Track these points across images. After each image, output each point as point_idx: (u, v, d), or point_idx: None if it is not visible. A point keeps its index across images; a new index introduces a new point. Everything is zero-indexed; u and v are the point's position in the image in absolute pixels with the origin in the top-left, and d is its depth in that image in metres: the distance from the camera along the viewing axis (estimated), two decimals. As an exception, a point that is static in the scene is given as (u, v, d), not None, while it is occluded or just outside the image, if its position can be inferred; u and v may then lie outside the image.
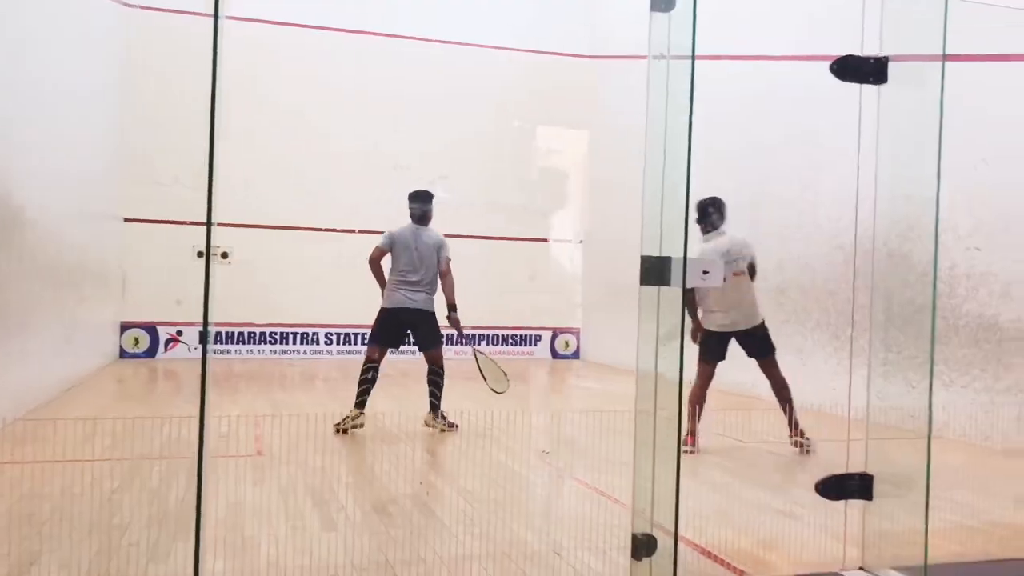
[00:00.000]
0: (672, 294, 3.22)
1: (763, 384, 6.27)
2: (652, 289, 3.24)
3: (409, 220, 6.81)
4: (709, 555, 3.66)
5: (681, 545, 3.03)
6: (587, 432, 5.76)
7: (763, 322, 6.25)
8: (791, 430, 6.01)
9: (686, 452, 5.75)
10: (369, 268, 6.68)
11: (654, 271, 3.23)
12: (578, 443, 6.05)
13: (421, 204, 6.84)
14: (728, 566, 3.57)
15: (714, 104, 5.10)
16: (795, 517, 4.29)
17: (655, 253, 3.23)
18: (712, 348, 6.15)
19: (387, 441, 6.45)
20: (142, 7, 10.93)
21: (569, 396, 10.35)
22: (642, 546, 3.06)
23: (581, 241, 13.17)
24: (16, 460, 4.82)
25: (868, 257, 6.77)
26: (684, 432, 5.76)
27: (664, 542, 3.04)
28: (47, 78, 7.39)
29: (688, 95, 3.14)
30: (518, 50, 12.66)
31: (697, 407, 6.03)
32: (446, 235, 12.40)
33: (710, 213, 6.22)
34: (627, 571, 3.06)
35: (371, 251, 6.73)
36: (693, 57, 3.14)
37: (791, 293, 8.47)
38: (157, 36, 11.01)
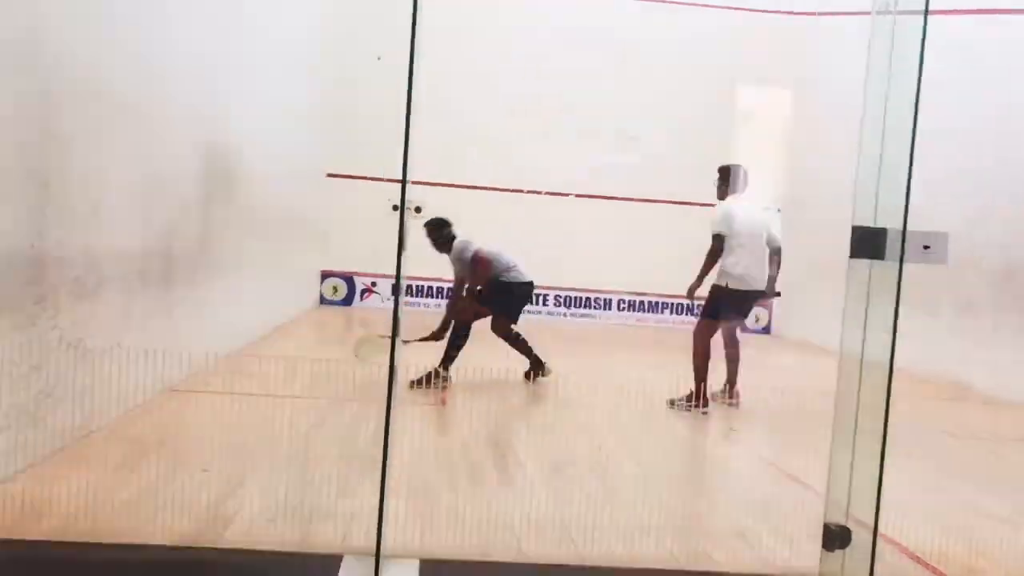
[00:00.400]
0: (887, 269, 2.93)
1: (978, 376, 5.61)
2: (863, 263, 2.97)
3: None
4: (910, 555, 3.36)
5: (879, 541, 2.79)
6: (779, 412, 5.49)
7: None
8: (728, 389, 6.38)
9: (702, 413, 5.98)
10: None
11: (866, 243, 2.96)
12: (768, 422, 5.77)
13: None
14: (932, 569, 3.26)
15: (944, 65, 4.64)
16: (1017, 525, 3.86)
17: (869, 223, 2.96)
18: (725, 306, 6.36)
19: (570, 405, 6.44)
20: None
21: (761, 372, 9.94)
22: (835, 537, 2.85)
23: (779, 209, 12.47)
24: (226, 391, 5.27)
25: None
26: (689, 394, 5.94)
27: (860, 536, 2.82)
28: (260, 40, 7.86)
29: (918, 55, 2.81)
30: (724, 7, 12.11)
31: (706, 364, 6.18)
32: (636, 199, 12.42)
33: (725, 179, 6.53)
34: (816, 561, 2.86)
35: None
36: (926, 11, 2.81)
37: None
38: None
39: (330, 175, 11.80)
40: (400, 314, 3.07)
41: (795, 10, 12.05)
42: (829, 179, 11.43)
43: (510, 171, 12.03)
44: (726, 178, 6.56)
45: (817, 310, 11.48)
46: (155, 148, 5.23)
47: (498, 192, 12.05)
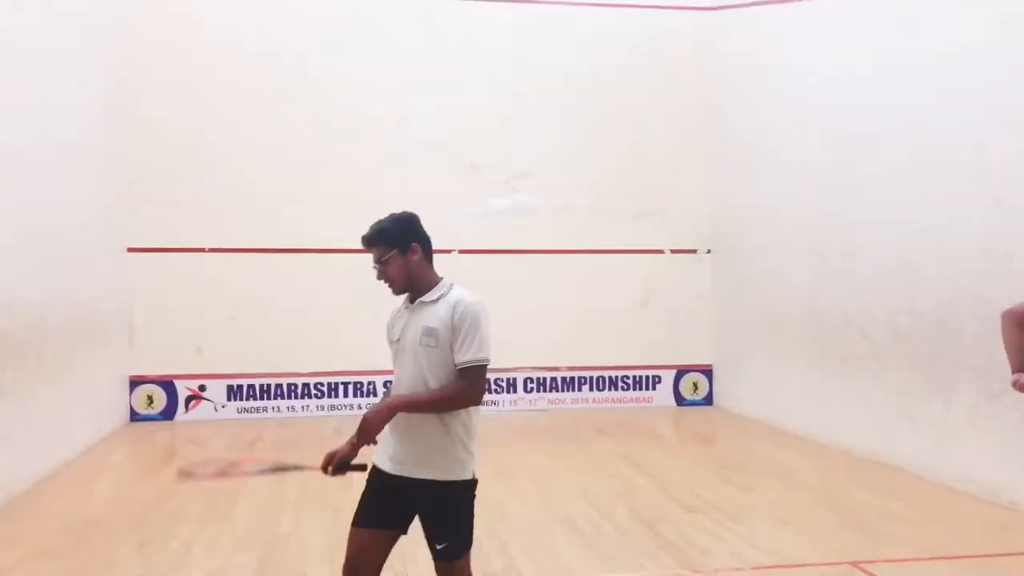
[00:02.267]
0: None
1: None
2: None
3: None
4: None
5: None
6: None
7: None
8: None
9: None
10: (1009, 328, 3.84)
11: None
12: None
13: None
14: None
15: None
16: None
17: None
18: None
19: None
20: None
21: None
22: None
23: (709, 251, 10.50)
24: None
25: None
26: None
27: None
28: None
29: None
30: (612, 5, 10.27)
31: None
32: (527, 250, 10.22)
33: None
34: None
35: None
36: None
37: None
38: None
39: (132, 249, 9.18)
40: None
41: (694, 4, 10.33)
42: (764, 209, 9.71)
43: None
44: None
45: (759, 373, 9.63)
46: None
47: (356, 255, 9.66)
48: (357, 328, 9.60)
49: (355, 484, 6.63)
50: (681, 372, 10.44)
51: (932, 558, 4.81)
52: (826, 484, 6.63)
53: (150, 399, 9.31)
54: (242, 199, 9.48)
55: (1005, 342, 3.72)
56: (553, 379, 10.12)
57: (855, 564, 4.68)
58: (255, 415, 9.47)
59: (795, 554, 4.86)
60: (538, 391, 10.10)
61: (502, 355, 10.20)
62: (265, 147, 9.56)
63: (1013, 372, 3.69)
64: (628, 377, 10.29)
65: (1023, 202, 5.79)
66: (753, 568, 4.62)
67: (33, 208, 6.55)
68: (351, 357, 9.60)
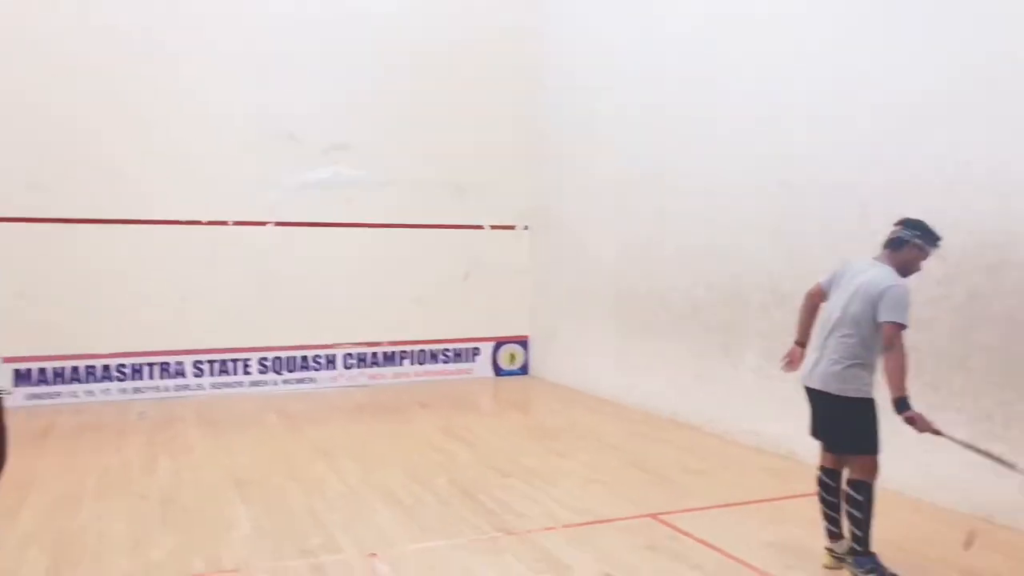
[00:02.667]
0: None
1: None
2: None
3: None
4: None
5: None
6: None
7: None
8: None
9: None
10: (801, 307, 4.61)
11: None
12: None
13: (899, 226, 4.24)
14: None
15: None
16: None
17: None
18: None
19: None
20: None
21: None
22: None
23: (527, 227, 10.81)
24: None
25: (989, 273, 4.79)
26: None
27: None
28: None
29: None
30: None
31: None
32: (349, 223, 10.06)
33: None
34: None
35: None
36: None
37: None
38: None
39: None
40: None
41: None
42: (579, 188, 10.10)
43: (187, 199, 9.17)
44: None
45: (576, 343, 10.06)
46: None
47: (163, 226, 9.13)
48: (161, 305, 9.12)
49: (160, 469, 6.33)
50: (499, 344, 10.71)
51: (723, 505, 5.28)
52: (632, 444, 7.06)
53: (-80, 388, 8.38)
54: (28, 166, 8.67)
55: (799, 316, 4.50)
56: (374, 354, 10.07)
57: (655, 516, 5.05)
58: (47, 401, 8.76)
59: (603, 511, 5.17)
60: (359, 367, 10.01)
61: (321, 332, 10.12)
62: (58, 115, 8.77)
63: (796, 341, 4.46)
64: (448, 350, 10.42)
65: (805, 184, 6.40)
66: (564, 526, 4.87)
67: None
68: (154, 335, 9.10)
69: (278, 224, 9.59)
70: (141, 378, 9.10)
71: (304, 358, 9.75)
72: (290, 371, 9.69)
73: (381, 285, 10.03)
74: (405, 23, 10.10)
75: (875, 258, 4.20)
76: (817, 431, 4.30)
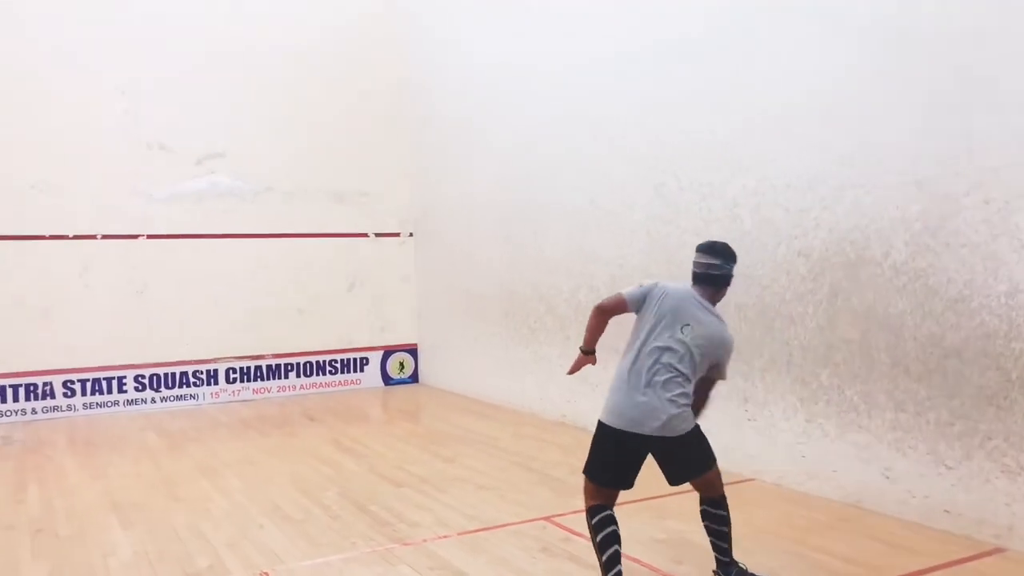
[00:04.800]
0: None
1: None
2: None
3: (689, 281, 4.08)
4: None
5: None
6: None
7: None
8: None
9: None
10: (593, 317, 4.11)
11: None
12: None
13: (718, 260, 4.05)
14: None
15: None
16: None
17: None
18: None
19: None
20: None
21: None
22: None
23: (411, 234, 10.72)
24: None
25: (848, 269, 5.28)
26: None
27: None
28: None
29: None
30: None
31: None
32: (227, 234, 9.69)
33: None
34: None
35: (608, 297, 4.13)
36: None
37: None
38: None
39: None
40: None
41: None
42: (457, 195, 10.10)
43: (47, 211, 8.61)
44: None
45: (460, 351, 10.04)
46: None
47: (29, 241, 8.55)
48: (27, 322, 8.54)
49: (30, 497, 5.93)
50: (388, 352, 10.57)
51: (611, 505, 5.39)
52: (521, 448, 7.11)
53: None
54: None
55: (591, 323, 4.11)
56: (258, 367, 9.74)
57: (548, 519, 5.10)
58: None
59: (496, 516, 5.18)
60: (242, 381, 9.67)
61: (201, 346, 9.71)
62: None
63: (582, 349, 4.10)
64: (336, 361, 10.21)
65: (679, 187, 6.63)
66: (459, 534, 4.85)
67: None
68: (18, 354, 8.52)
69: (151, 237, 9.15)
70: (4, 400, 8.48)
71: (184, 374, 9.33)
72: (169, 387, 9.25)
73: (263, 297, 9.73)
74: (276, 26, 9.83)
75: (698, 292, 3.99)
76: (626, 476, 3.95)
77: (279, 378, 9.90)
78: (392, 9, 10.48)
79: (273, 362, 9.85)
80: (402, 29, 10.46)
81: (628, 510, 5.31)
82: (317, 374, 10.12)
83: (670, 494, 5.56)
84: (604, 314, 4.05)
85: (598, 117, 7.46)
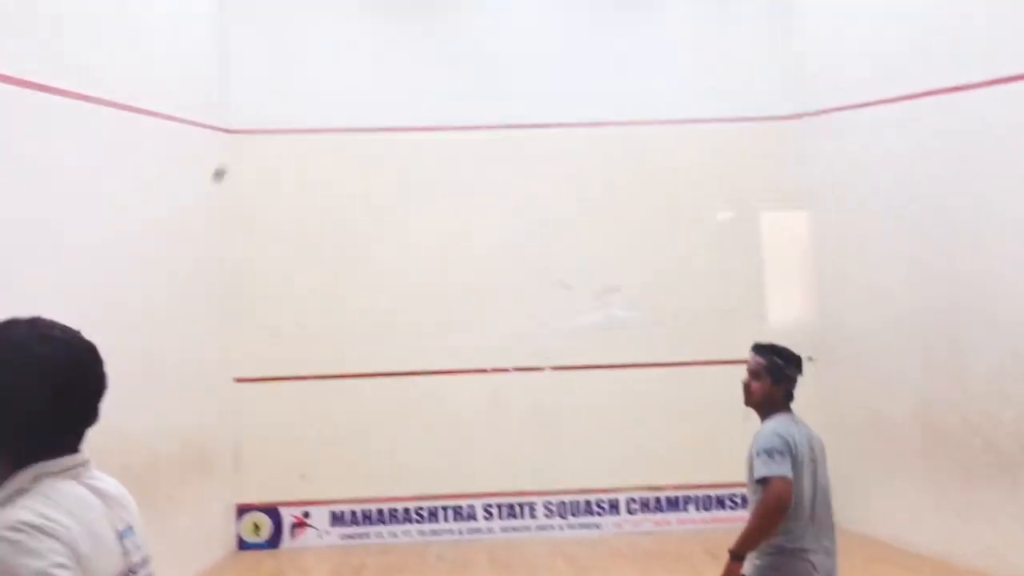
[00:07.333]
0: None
1: None
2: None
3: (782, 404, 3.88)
4: None
5: None
6: None
7: None
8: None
9: None
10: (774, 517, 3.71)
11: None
12: None
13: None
14: None
15: None
16: None
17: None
18: None
19: None
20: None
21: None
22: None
23: (810, 358, 9.97)
24: None
25: None
26: None
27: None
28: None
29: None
30: (688, 122, 10.16)
31: None
32: (628, 364, 9.89)
33: None
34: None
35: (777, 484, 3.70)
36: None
37: None
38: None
39: (239, 379, 9.38)
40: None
41: (776, 113, 10.15)
42: (867, 313, 9.22)
43: (462, 348, 9.64)
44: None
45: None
46: None
47: (449, 376, 9.64)
48: (450, 451, 9.47)
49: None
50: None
51: None
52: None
53: (256, 527, 9.31)
54: (343, 326, 9.60)
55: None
56: (657, 499, 9.61)
57: None
58: (358, 541, 9.32)
59: None
60: (642, 512, 9.59)
61: (603, 475, 9.81)
62: (362, 274, 9.73)
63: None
64: (736, 496, 9.66)
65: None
66: None
67: (147, 342, 6.88)
68: (450, 480, 9.44)
69: (555, 368, 9.73)
70: (436, 521, 9.43)
71: (588, 502, 9.57)
72: (574, 515, 9.55)
73: (662, 425, 9.67)
74: (657, 172, 10.10)
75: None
76: None
77: (677, 510, 9.64)
78: (777, 135, 10.25)
79: (672, 494, 9.65)
80: (787, 152, 10.15)
81: None
82: (716, 508, 9.67)
83: None
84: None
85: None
